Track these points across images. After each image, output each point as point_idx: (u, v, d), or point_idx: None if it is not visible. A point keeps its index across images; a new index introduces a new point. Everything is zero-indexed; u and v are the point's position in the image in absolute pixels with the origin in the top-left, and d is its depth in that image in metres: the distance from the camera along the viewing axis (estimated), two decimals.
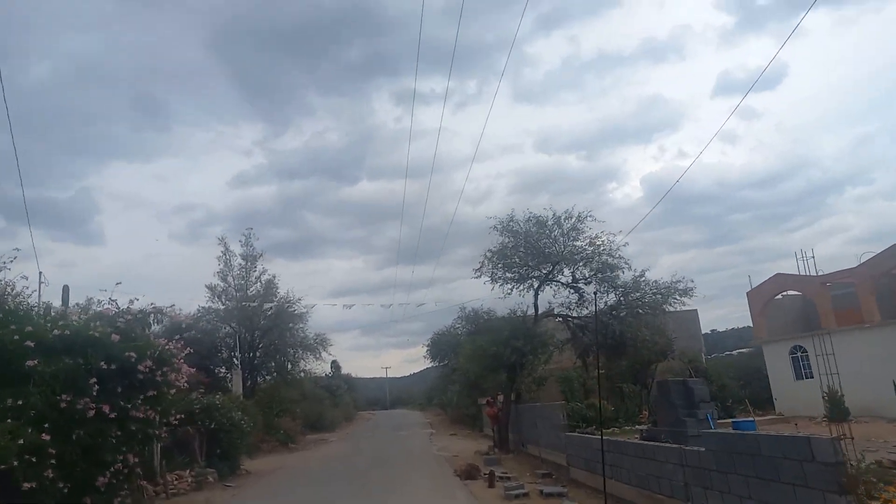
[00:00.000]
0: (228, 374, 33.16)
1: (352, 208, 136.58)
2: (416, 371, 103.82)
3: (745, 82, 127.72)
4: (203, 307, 33.65)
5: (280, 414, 33.09)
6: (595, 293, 19.51)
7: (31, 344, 10.05)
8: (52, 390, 10.00)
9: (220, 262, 34.75)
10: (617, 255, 19.77)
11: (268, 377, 35.86)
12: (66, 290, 15.32)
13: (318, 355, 35.70)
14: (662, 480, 9.40)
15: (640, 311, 19.55)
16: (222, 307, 33.85)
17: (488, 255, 21.12)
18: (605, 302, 20.29)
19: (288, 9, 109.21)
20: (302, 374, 40.65)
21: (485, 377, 31.95)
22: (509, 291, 21.29)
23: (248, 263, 35.23)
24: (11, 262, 11.47)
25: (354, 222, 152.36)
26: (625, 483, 10.99)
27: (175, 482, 16.17)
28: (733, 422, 17.76)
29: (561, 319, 21.16)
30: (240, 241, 35.22)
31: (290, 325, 33.82)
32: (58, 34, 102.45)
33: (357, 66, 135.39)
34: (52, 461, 9.59)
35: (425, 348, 49.49)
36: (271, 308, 34.17)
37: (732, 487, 7.29)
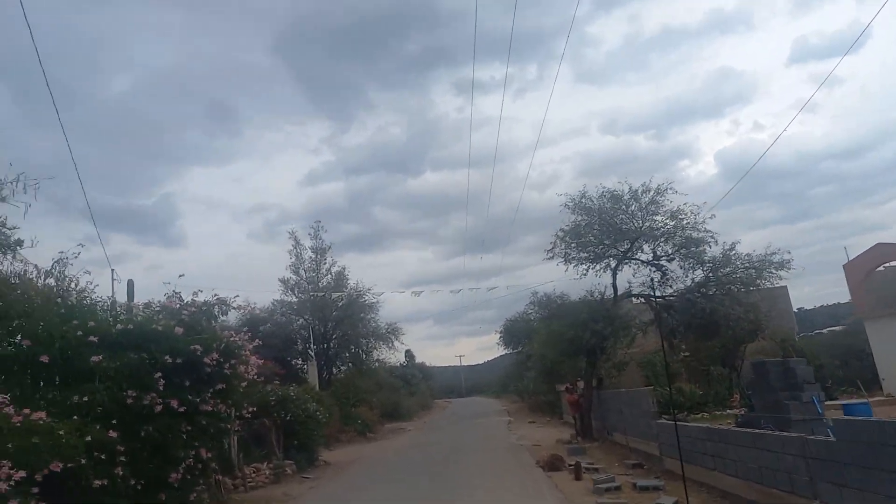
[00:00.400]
0: (304, 366, 33.49)
1: (417, 200, 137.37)
2: (490, 359, 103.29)
3: (822, 48, 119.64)
4: (277, 300, 34.15)
5: (357, 404, 33.11)
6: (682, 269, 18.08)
7: (95, 339, 9.84)
8: (118, 386, 9.77)
9: (292, 256, 35.17)
10: (702, 229, 18.23)
11: (343, 368, 36.02)
12: (130, 284, 15.35)
13: (390, 344, 35.56)
14: (779, 474, 8.19)
15: (732, 287, 17.93)
16: (295, 300, 34.20)
17: (560, 234, 19.98)
18: (692, 279, 18.78)
19: (346, 7, 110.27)
20: (376, 364, 40.78)
21: (562, 363, 30.90)
22: (584, 272, 20.10)
23: (318, 256, 35.46)
24: (75, 257, 11.37)
25: (420, 214, 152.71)
26: (730, 475, 9.80)
27: (253, 475, 16.04)
28: (844, 405, 16.01)
29: (643, 300, 19.78)
30: (309, 235, 35.52)
31: (362, 315, 33.72)
32: (133, 48, 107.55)
33: (416, 59, 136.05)
34: (122, 458, 9.35)
35: (498, 335, 48.76)
36: (342, 298, 34.22)
37: (878, 486, 6.07)
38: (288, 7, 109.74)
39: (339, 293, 34.10)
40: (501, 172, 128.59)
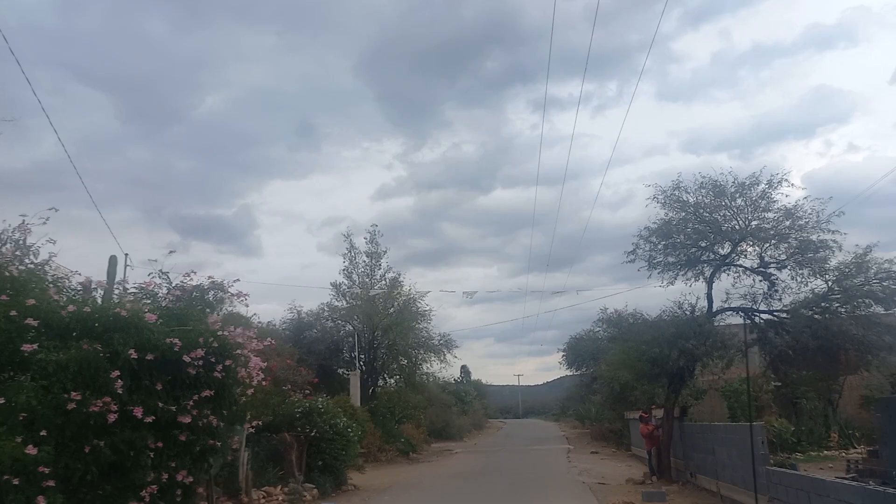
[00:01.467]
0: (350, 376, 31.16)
1: (487, 217, 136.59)
2: (550, 380, 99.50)
3: None
4: (324, 303, 31.91)
5: (402, 420, 30.45)
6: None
7: (34, 322, 7.48)
8: (60, 386, 7.37)
9: (346, 260, 32.90)
10: (827, 229, 14.63)
11: (391, 380, 33.43)
12: (112, 261, 12.79)
13: (442, 357, 32.65)
14: None
15: (864, 301, 14.22)
16: (345, 304, 31.92)
17: (644, 233, 16.76)
18: (811, 290, 15.14)
19: (430, 29, 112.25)
20: (426, 378, 38.08)
21: (633, 388, 27.28)
22: (672, 280, 16.79)
23: (373, 261, 33.07)
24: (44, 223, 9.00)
25: (489, 231, 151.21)
26: None
27: (262, 500, 13.51)
28: None
29: (743, 315, 16.23)
30: (365, 239, 33.12)
31: (413, 323, 31.07)
32: (229, 67, 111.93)
33: (495, 77, 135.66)
34: (51, 483, 6.91)
35: (561, 354, 45.20)
36: (393, 306, 31.72)
37: None
38: (375, 29, 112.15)
39: (392, 299, 31.61)
40: (574, 190, 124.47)
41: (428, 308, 31.69)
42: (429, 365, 32.97)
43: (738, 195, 15.61)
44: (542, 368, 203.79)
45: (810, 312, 14.60)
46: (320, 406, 16.39)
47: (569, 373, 48.90)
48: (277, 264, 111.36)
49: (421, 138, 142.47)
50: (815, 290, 15.08)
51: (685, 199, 16.04)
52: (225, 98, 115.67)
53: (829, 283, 14.84)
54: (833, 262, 14.86)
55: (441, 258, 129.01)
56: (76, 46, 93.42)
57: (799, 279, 15.13)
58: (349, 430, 17.09)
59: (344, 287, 32.48)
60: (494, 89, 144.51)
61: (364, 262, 33.00)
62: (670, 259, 16.48)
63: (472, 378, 66.15)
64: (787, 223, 15.11)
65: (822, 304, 14.70)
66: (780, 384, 27.14)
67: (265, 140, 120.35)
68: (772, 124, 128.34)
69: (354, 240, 32.98)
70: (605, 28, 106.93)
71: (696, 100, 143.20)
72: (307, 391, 17.76)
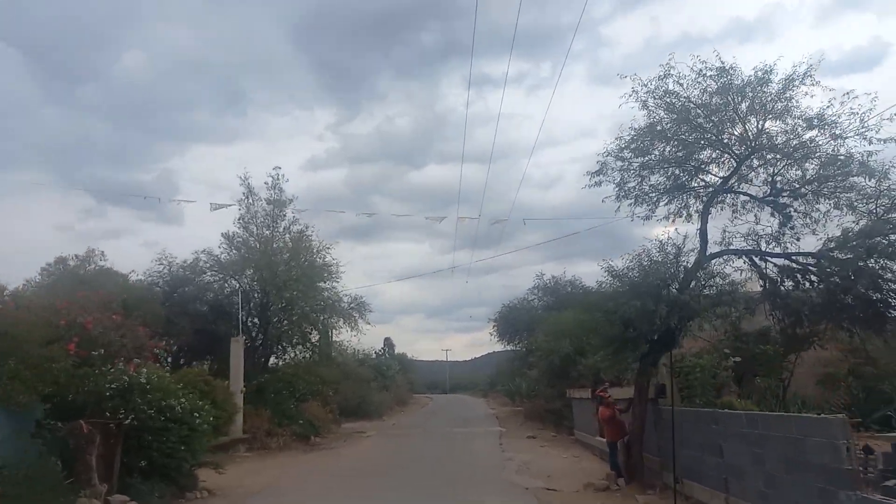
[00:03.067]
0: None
1: (418, 193, 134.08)
2: (478, 356, 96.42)
3: (839, 64, 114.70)
4: (203, 251, 25.82)
5: (304, 398, 25.29)
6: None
7: None
8: None
9: (242, 207, 26.84)
10: (872, 139, 10.42)
11: (293, 350, 27.96)
12: None
13: (353, 324, 27.52)
14: None
15: None
16: (235, 255, 26.08)
17: (615, 148, 12.20)
18: (842, 230, 10.97)
19: None
20: (342, 348, 33.12)
21: (579, 360, 23.06)
22: (648, 212, 12.39)
23: (276, 210, 27.29)
24: None
25: (421, 207, 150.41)
26: None
27: None
28: None
29: (746, 260, 11.92)
30: (266, 184, 27.10)
31: (318, 282, 25.70)
32: (151, 26, 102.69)
33: (430, 50, 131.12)
34: None
35: (492, 325, 41.02)
36: (297, 262, 26.18)
37: None
38: None
39: (294, 251, 25.99)
40: (504, 169, 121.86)
41: (335, 262, 26.33)
42: (337, 332, 27.84)
43: (747, 92, 11.18)
44: (470, 345, 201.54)
45: (850, 256, 10.32)
46: (144, 381, 11.04)
47: (499, 347, 44.97)
48: (200, 234, 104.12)
49: (354, 109, 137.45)
50: (849, 230, 10.83)
51: (675, 94, 11.46)
52: (147, 58, 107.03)
53: (869, 218, 10.63)
54: (874, 188, 10.70)
55: (371, 233, 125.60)
56: None
57: (832, 213, 10.89)
58: (196, 414, 11.86)
59: (239, 239, 26.67)
60: (429, 63, 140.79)
61: (264, 210, 27.22)
62: (650, 181, 12.00)
63: (395, 351, 61.33)
64: (813, 134, 10.82)
65: (863, 247, 10.43)
66: (739, 359, 23.78)
67: (189, 104, 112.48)
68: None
69: (248, 178, 26.93)
70: (539, 8, 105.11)
71: (626, 84, 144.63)
72: (135, 360, 12.30)
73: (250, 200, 26.95)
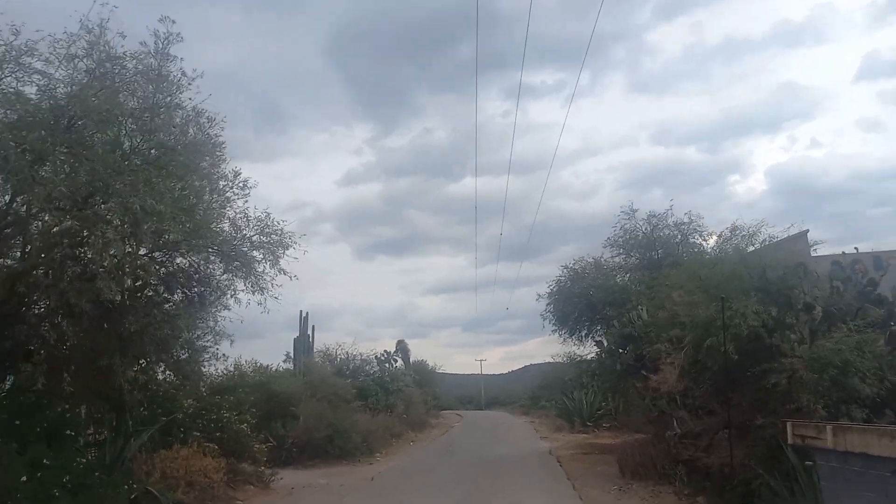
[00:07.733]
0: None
1: (456, 205, 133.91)
2: (515, 368, 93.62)
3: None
4: None
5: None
6: None
7: None
8: None
9: None
10: None
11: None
12: None
13: (255, 279, 13.00)
14: None
15: None
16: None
17: None
18: None
19: (402, 9, 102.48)
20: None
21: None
22: None
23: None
24: None
25: (457, 220, 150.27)
26: None
27: None
28: None
29: None
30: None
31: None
32: (196, 47, 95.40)
33: (468, 62, 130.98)
34: None
35: (547, 306, 25.90)
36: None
37: None
38: (344, 7, 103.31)
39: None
40: (543, 180, 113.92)
41: (219, 136, 12.15)
42: (234, 293, 13.28)
43: None
44: (507, 358, 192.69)
45: None
46: None
47: (547, 351, 30.69)
48: None
49: (391, 123, 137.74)
50: None
51: None
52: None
53: None
54: None
55: (408, 246, 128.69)
56: None
57: None
58: None
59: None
60: (468, 75, 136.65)
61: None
62: None
63: (409, 357, 46.54)
64: None
65: None
66: None
67: (230, 121, 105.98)
68: (740, 118, 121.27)
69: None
70: (578, 18, 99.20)
71: (666, 92, 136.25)
72: None
73: None
